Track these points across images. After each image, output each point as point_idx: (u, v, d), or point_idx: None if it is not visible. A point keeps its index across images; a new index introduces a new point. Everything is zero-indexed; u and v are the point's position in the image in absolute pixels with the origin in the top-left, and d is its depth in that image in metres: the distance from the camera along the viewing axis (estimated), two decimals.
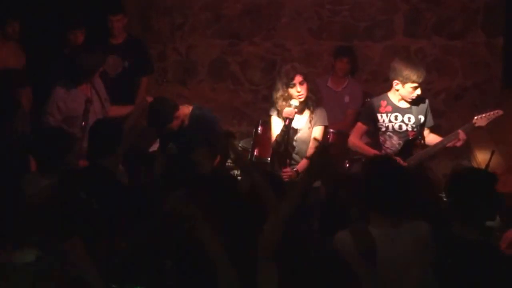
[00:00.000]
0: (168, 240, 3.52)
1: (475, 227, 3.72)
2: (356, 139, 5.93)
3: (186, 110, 6.04)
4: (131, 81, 7.20)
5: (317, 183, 5.91)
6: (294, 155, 5.88)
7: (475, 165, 6.95)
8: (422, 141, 5.86)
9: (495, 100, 7.66)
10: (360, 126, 5.97)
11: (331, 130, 6.27)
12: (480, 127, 5.84)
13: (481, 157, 6.78)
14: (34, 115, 6.20)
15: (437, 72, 7.90)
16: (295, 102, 5.72)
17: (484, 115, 5.79)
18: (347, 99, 7.16)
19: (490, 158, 5.51)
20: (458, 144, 5.82)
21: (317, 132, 5.86)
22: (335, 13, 8.05)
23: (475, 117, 5.82)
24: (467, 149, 7.07)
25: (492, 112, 5.79)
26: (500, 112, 5.80)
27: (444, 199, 5.95)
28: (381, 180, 3.67)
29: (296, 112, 5.75)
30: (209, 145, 5.79)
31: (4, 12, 6.79)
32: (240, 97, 8.25)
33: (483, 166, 5.98)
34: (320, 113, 5.87)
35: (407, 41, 8.02)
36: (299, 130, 5.88)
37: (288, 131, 5.77)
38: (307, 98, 5.75)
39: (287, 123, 5.74)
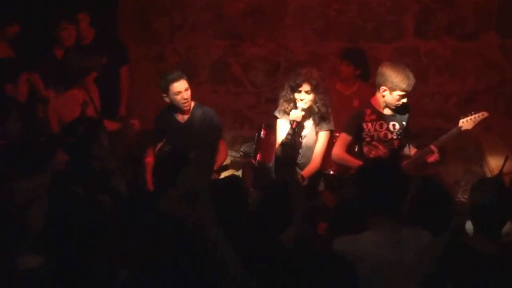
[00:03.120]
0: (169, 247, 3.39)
1: (491, 238, 3.63)
2: (340, 151, 5.77)
3: None
4: (111, 75, 7.06)
5: (321, 187, 6.04)
6: (298, 161, 5.85)
7: (487, 171, 6.84)
8: (409, 151, 5.77)
9: (508, 103, 7.64)
10: (344, 138, 5.80)
11: (337, 134, 6.10)
12: (466, 131, 5.74)
13: (494, 163, 6.67)
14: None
15: (448, 75, 7.82)
16: (302, 105, 5.67)
17: (469, 118, 5.71)
18: (356, 103, 6.97)
19: (504, 164, 5.41)
20: (432, 159, 5.70)
21: (323, 137, 5.82)
22: (341, 13, 7.93)
23: (461, 121, 5.73)
24: (478, 155, 7.02)
25: (477, 115, 5.72)
26: (486, 114, 5.73)
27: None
28: (377, 183, 3.58)
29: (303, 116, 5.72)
30: (209, 146, 5.92)
31: (7, 13, 6.76)
32: (242, 100, 8.17)
33: (496, 172, 5.94)
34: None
35: (417, 42, 7.92)
36: (305, 136, 5.84)
37: (295, 135, 5.73)
38: (310, 108, 5.70)
39: (294, 126, 5.70)
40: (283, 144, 5.78)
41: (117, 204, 4.37)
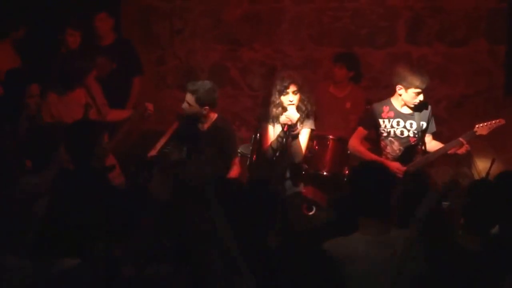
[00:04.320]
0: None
1: (479, 236, 3.74)
2: (356, 143, 5.93)
3: (211, 114, 5.86)
4: (122, 82, 7.13)
5: (301, 187, 6.02)
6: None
7: (475, 173, 6.93)
8: (423, 147, 5.85)
9: (496, 107, 7.65)
10: (360, 131, 5.97)
11: (331, 136, 6.22)
12: (481, 136, 5.83)
13: (482, 165, 6.76)
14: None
15: (439, 80, 7.84)
16: (291, 107, 5.69)
17: (485, 123, 5.79)
18: (348, 105, 7.13)
19: (491, 166, 5.47)
20: (460, 151, 5.81)
21: (305, 133, 5.84)
22: (336, 20, 8.01)
23: (477, 126, 5.81)
24: (467, 157, 6.97)
25: (494, 121, 5.80)
26: (502, 121, 5.81)
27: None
28: (367, 185, 3.65)
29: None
30: (223, 156, 5.81)
31: (15, 18, 6.88)
32: (239, 103, 8.21)
33: (483, 174, 6.03)
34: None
35: (409, 48, 7.99)
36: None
37: (287, 138, 5.74)
38: (298, 107, 5.72)
39: (285, 129, 5.72)
40: (272, 147, 5.80)
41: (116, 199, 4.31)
